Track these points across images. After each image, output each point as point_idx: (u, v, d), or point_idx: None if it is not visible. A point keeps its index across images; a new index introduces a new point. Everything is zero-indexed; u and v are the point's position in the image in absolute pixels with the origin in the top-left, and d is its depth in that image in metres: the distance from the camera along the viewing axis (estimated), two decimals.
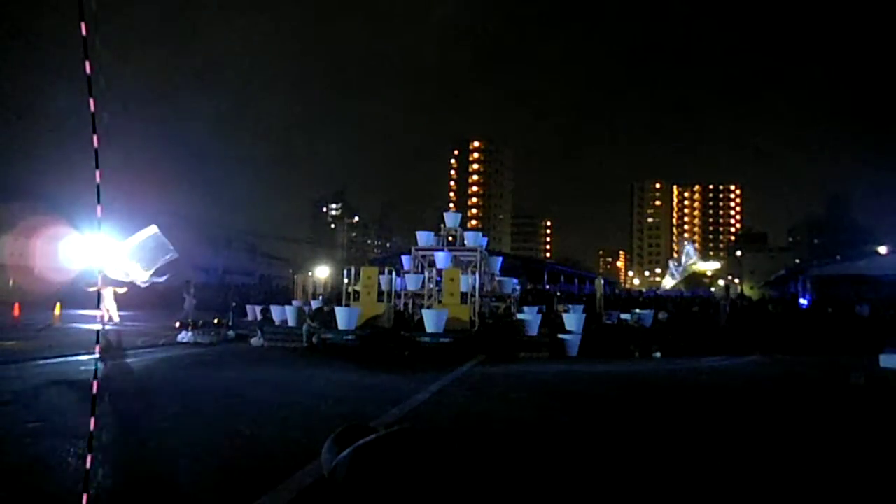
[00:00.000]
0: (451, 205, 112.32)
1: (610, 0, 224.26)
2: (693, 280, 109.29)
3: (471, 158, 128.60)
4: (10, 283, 31.07)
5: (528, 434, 5.92)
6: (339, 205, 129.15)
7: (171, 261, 12.53)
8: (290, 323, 15.07)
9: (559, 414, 7.22)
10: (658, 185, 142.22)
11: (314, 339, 13.84)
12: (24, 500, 3.80)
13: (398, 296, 16.65)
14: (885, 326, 17.04)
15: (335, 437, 1.00)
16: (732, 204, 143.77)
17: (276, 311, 15.99)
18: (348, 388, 8.64)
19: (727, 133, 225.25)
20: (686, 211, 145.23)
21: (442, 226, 18.22)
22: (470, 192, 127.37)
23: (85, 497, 2.45)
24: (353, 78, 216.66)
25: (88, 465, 1.96)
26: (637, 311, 18.32)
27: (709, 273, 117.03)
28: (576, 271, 58.93)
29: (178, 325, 16.11)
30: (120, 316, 17.05)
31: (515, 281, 19.75)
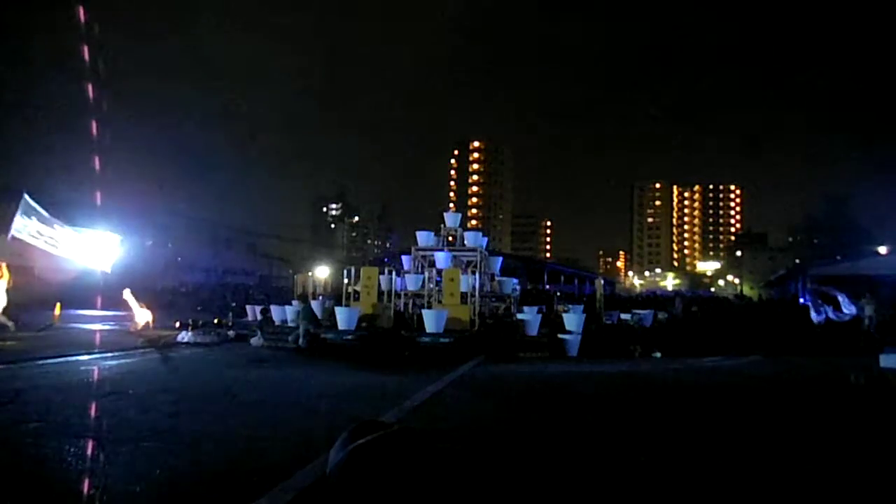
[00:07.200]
0: (451, 205, 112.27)
1: (611, 0, 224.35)
2: (693, 280, 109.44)
3: (471, 158, 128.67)
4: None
5: (528, 434, 5.92)
6: (339, 205, 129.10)
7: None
8: (291, 323, 15.07)
9: (559, 414, 7.21)
10: (658, 185, 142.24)
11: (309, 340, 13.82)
12: (24, 499, 3.80)
13: (398, 296, 16.64)
14: (885, 326, 17.00)
15: (349, 433, 0.97)
16: (732, 204, 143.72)
17: (276, 311, 16.00)
18: (347, 388, 8.63)
19: (727, 133, 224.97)
20: (686, 211, 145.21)
21: (442, 226, 18.18)
22: (470, 192, 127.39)
23: (85, 497, 2.45)
24: (354, 78, 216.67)
25: (88, 465, 1.96)
26: (637, 311, 18.31)
27: (709, 273, 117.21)
28: (576, 271, 58.91)
29: (177, 324, 16.11)
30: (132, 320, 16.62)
31: (515, 281, 19.71)
